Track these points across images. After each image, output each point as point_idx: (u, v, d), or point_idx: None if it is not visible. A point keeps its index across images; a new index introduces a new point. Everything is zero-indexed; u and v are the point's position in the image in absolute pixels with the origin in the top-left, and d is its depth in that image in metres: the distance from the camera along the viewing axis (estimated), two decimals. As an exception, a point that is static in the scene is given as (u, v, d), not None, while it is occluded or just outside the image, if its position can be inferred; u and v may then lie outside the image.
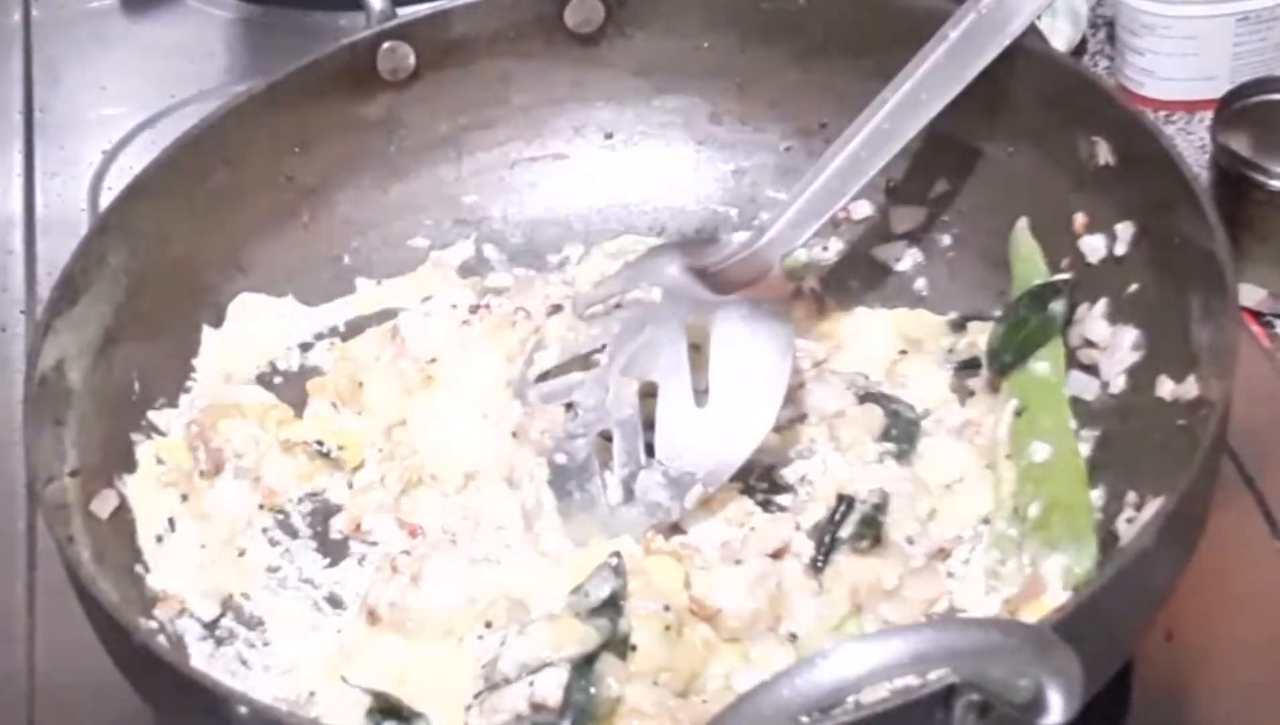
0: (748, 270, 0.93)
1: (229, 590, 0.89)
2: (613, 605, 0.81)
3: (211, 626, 0.87)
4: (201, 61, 1.36)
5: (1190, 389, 0.82)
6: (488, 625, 0.83)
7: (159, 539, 0.89)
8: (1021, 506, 0.86)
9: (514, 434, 0.93)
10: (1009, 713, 0.60)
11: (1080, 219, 0.93)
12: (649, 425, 0.90)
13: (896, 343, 0.97)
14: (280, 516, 0.93)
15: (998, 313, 0.95)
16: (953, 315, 0.98)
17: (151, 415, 0.94)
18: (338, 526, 0.92)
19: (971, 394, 0.93)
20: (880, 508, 0.86)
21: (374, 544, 0.91)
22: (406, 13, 1.03)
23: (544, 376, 0.95)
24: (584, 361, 0.94)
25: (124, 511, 0.89)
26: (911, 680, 0.61)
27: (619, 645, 0.80)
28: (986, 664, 0.59)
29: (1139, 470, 0.84)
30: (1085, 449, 0.87)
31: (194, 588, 0.88)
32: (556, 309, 0.99)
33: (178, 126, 1.01)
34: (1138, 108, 0.95)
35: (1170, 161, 0.86)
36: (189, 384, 0.97)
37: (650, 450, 0.89)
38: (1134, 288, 0.89)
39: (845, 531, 0.85)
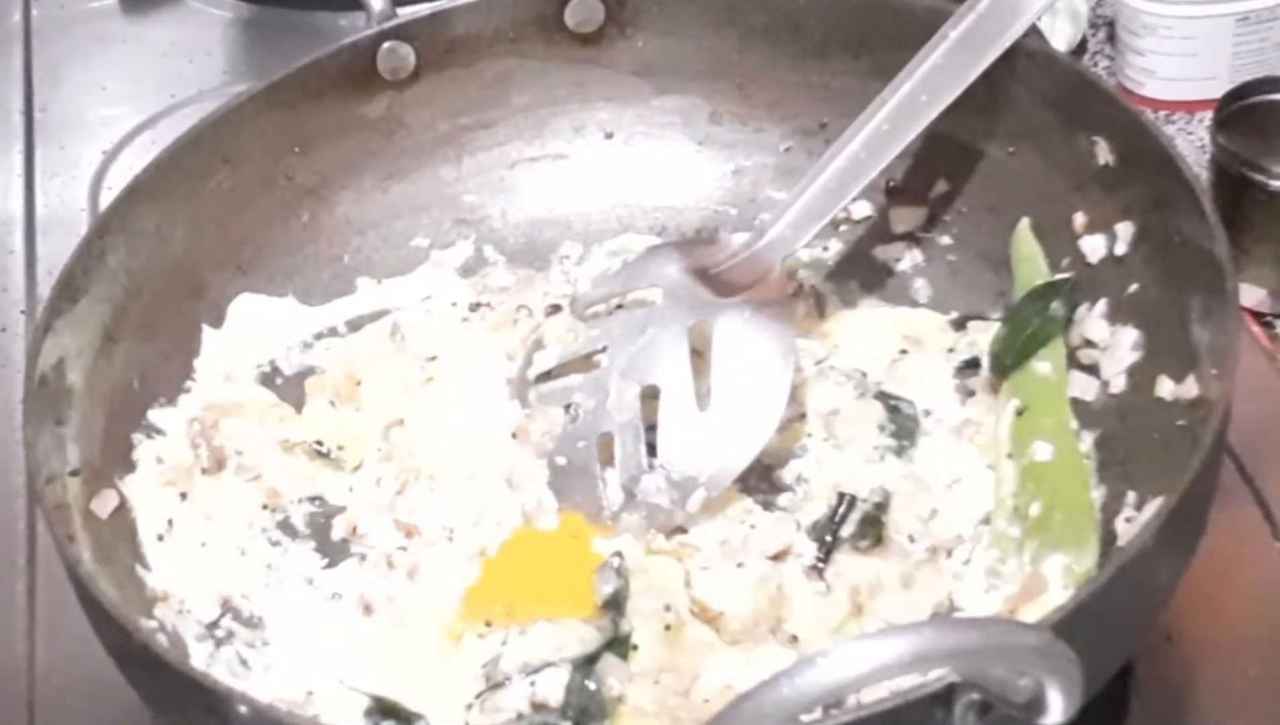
0: (748, 271, 0.93)
1: (229, 590, 0.89)
2: (614, 605, 0.81)
3: (211, 626, 0.87)
4: (201, 61, 1.36)
5: (1190, 389, 0.82)
6: (488, 624, 0.83)
7: (159, 538, 0.89)
8: (1022, 506, 0.86)
9: (514, 435, 0.93)
10: (1009, 713, 0.60)
11: (1080, 219, 0.93)
12: (650, 427, 0.90)
13: (897, 342, 0.97)
14: (280, 516, 0.93)
15: (998, 313, 0.95)
16: (953, 315, 0.98)
17: (151, 415, 0.94)
18: (337, 527, 0.92)
19: (972, 393, 0.93)
20: (882, 507, 0.86)
21: (373, 546, 0.91)
22: (406, 13, 1.03)
23: (543, 377, 0.95)
24: (584, 362, 0.94)
25: (124, 511, 0.89)
26: (912, 680, 0.61)
27: (620, 645, 0.80)
28: (986, 664, 0.59)
29: (1139, 470, 0.84)
30: (1085, 449, 0.87)
31: (194, 588, 0.88)
32: (555, 309, 0.99)
33: (178, 126, 1.01)
34: (1138, 108, 0.95)
35: (1170, 161, 0.86)
36: (189, 384, 0.97)
37: (651, 451, 0.89)
38: (1134, 288, 0.89)
39: (846, 530, 0.86)
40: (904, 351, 0.96)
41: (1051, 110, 0.94)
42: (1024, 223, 0.96)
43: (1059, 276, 0.93)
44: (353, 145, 1.04)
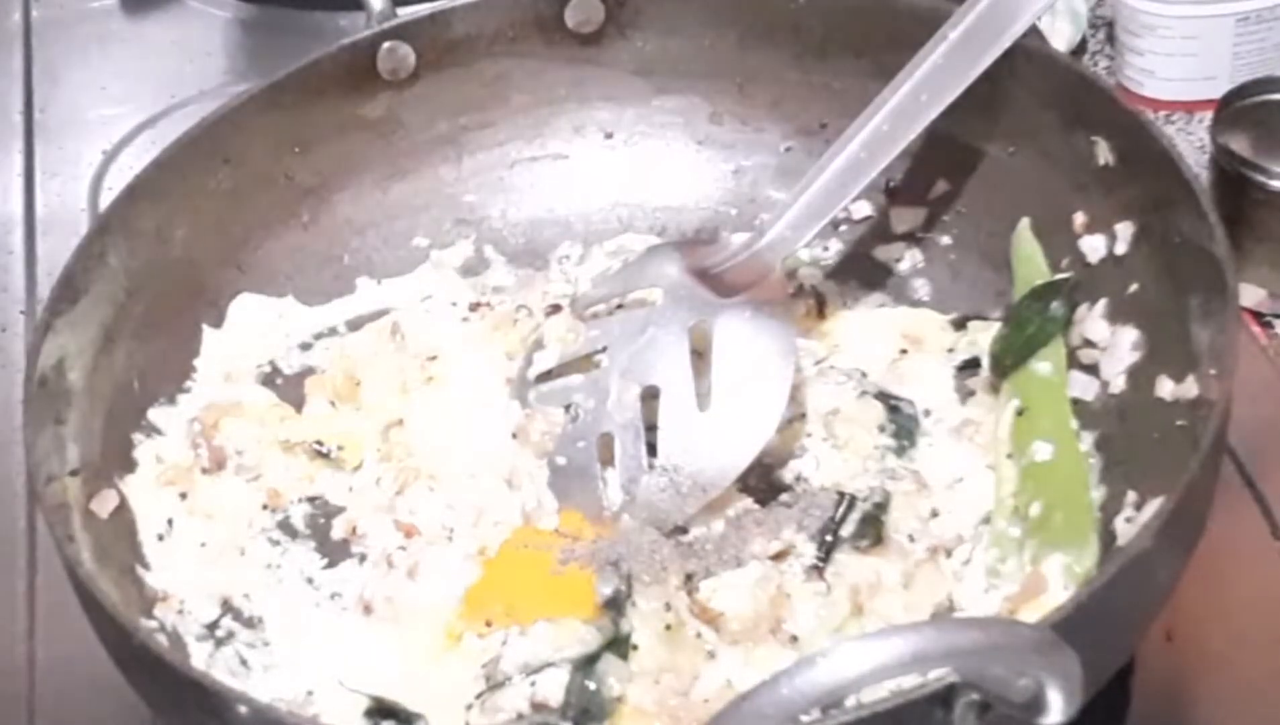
0: (748, 272, 0.93)
1: (229, 590, 0.89)
2: (614, 605, 0.81)
3: (212, 626, 0.87)
4: (201, 61, 1.37)
5: (1190, 389, 0.82)
6: (488, 624, 0.83)
7: (159, 538, 0.89)
8: (1022, 506, 0.86)
9: (514, 435, 0.93)
10: (1009, 713, 0.60)
11: (1080, 219, 0.93)
12: (650, 427, 0.90)
13: (897, 342, 0.97)
14: (280, 516, 0.93)
15: (998, 313, 0.95)
16: (953, 315, 0.98)
17: (151, 414, 0.94)
18: (337, 527, 0.92)
19: (972, 393, 0.93)
20: (882, 506, 0.86)
21: (373, 546, 0.91)
22: (406, 13, 1.03)
23: (543, 377, 0.95)
24: (584, 362, 0.94)
25: (124, 511, 0.89)
26: (912, 680, 0.61)
27: (620, 645, 0.80)
28: (986, 664, 0.59)
29: (1139, 470, 0.84)
30: (1085, 449, 0.87)
31: (194, 588, 0.88)
32: (555, 309, 0.99)
33: (178, 126, 1.01)
34: (1138, 108, 0.95)
35: (1170, 161, 0.86)
36: (189, 384, 0.97)
37: (651, 451, 0.89)
38: (1134, 288, 0.89)
39: (846, 530, 0.85)
40: (904, 351, 0.96)
41: (1051, 110, 0.94)
42: (1024, 223, 0.96)
43: (1059, 276, 0.93)
44: (353, 145, 1.04)
